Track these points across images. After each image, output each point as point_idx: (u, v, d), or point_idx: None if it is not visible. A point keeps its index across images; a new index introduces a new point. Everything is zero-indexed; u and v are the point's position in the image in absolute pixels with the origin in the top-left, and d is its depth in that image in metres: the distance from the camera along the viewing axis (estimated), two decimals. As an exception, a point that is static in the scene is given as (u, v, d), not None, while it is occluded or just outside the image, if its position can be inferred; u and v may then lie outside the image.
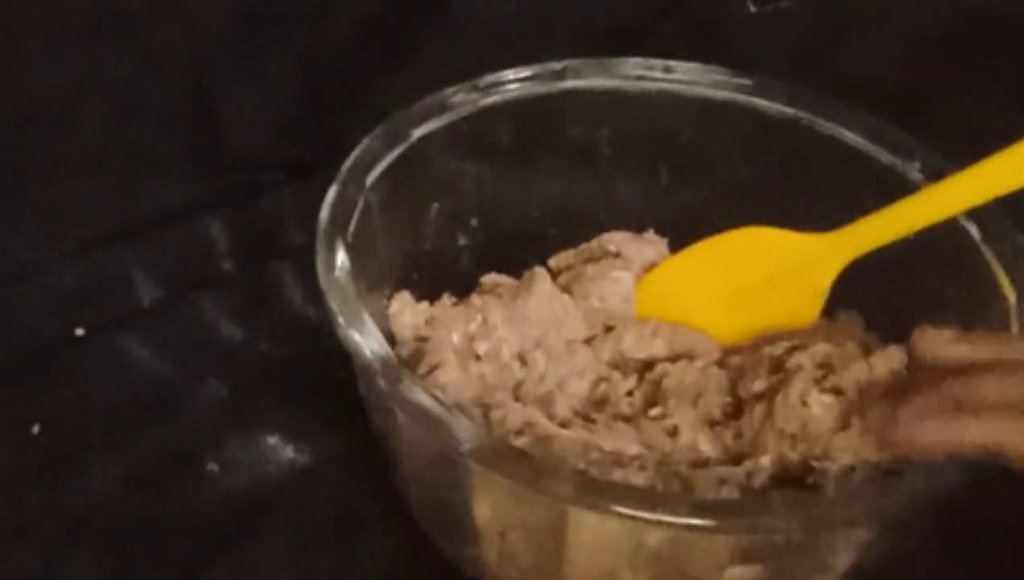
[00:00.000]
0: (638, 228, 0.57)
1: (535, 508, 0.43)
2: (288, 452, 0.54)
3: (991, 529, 0.49)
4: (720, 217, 0.53)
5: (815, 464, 0.48)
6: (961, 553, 0.49)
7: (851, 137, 0.52)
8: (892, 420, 0.40)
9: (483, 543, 0.46)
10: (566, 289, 0.55)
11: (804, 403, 0.47)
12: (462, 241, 0.57)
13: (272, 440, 0.54)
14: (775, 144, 0.54)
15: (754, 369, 0.51)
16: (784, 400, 0.48)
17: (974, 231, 0.49)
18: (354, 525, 0.52)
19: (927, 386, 0.40)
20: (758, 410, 0.49)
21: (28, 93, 0.64)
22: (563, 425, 0.49)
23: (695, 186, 0.56)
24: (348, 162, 0.49)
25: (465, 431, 0.40)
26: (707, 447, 0.48)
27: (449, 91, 0.53)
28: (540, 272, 0.55)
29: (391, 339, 0.51)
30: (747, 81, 0.54)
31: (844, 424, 0.48)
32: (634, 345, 0.52)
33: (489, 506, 0.45)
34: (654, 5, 0.65)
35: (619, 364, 0.52)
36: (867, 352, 0.50)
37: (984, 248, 0.49)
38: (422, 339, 0.52)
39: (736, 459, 0.48)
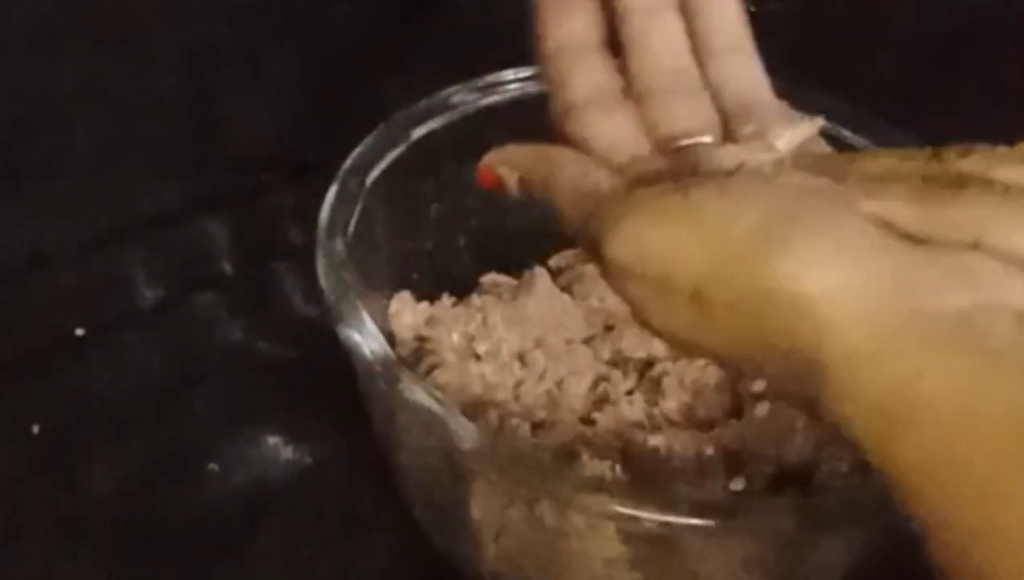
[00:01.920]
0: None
1: (534, 508, 0.43)
2: (288, 452, 0.54)
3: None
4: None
5: (818, 466, 0.48)
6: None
7: (851, 137, 0.52)
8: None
9: (482, 543, 0.46)
10: (566, 289, 0.55)
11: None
12: (462, 241, 0.57)
13: (272, 440, 0.54)
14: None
15: (754, 369, 0.51)
16: (789, 408, 0.48)
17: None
18: (354, 525, 0.52)
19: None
20: (758, 410, 0.49)
21: (28, 93, 0.64)
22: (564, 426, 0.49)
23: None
24: (348, 162, 0.49)
25: (465, 431, 0.40)
26: (707, 448, 0.48)
27: (449, 91, 0.53)
28: (540, 272, 0.55)
29: (391, 339, 0.51)
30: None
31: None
32: (634, 344, 0.52)
33: (488, 506, 0.45)
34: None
35: (619, 363, 0.52)
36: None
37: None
38: (422, 339, 0.52)
39: (735, 460, 0.48)
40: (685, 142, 0.36)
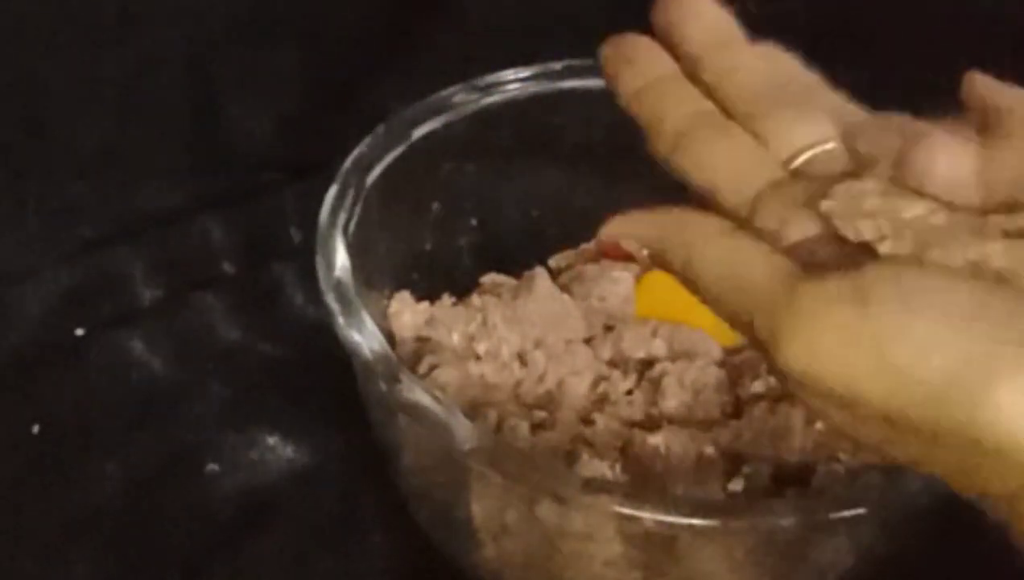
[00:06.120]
0: (638, 228, 0.57)
1: (534, 508, 0.43)
2: (288, 452, 0.54)
3: (991, 529, 0.49)
4: (720, 217, 0.53)
5: (818, 466, 0.48)
6: (961, 553, 0.49)
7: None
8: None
9: (482, 543, 0.46)
10: (566, 289, 0.55)
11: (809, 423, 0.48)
12: (462, 241, 0.57)
13: (272, 440, 0.54)
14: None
15: (754, 369, 0.51)
16: (788, 409, 0.48)
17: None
18: (354, 525, 0.52)
19: None
20: (758, 411, 0.49)
21: (28, 93, 0.64)
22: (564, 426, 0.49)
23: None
24: (348, 162, 0.49)
25: (465, 431, 0.40)
26: (707, 448, 0.48)
27: (449, 91, 0.53)
28: (540, 272, 0.55)
29: (391, 339, 0.51)
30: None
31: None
32: (634, 344, 0.52)
33: (488, 506, 0.45)
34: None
35: (619, 364, 0.52)
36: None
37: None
38: (422, 339, 0.52)
39: (735, 460, 0.48)
40: (807, 154, 0.33)
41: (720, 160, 0.33)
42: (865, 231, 0.29)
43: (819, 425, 0.48)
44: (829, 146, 0.33)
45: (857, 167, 0.32)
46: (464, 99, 0.53)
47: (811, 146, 0.33)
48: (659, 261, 0.33)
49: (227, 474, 0.53)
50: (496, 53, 0.55)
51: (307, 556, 0.51)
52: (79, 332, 0.58)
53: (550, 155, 0.56)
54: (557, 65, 0.54)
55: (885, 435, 0.27)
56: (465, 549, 0.47)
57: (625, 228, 0.34)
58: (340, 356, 0.44)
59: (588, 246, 0.57)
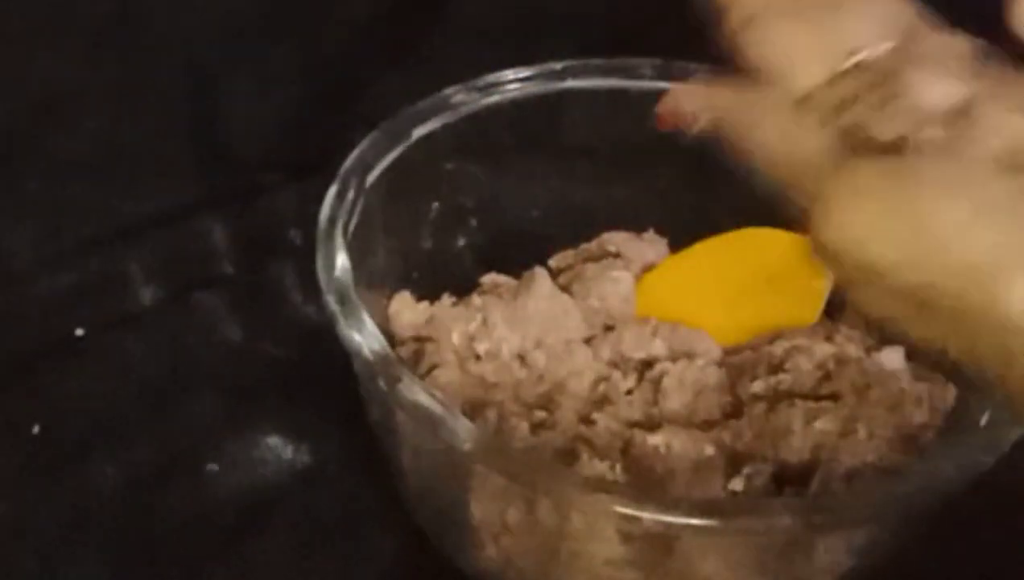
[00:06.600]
0: (638, 228, 0.57)
1: (534, 508, 0.43)
2: (288, 452, 0.54)
3: (991, 529, 0.49)
4: (720, 217, 0.53)
5: (818, 466, 0.48)
6: (961, 553, 0.49)
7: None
8: None
9: (482, 543, 0.46)
10: (566, 289, 0.55)
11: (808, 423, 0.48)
12: (462, 241, 0.57)
13: (272, 440, 0.54)
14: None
15: (754, 369, 0.51)
16: (787, 409, 0.48)
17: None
18: (354, 525, 0.52)
19: None
20: (757, 411, 0.49)
21: (28, 93, 0.64)
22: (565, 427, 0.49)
23: (695, 186, 0.56)
24: (348, 162, 0.49)
25: (465, 431, 0.40)
26: (707, 448, 0.48)
27: (449, 91, 0.53)
28: (540, 272, 0.55)
29: (391, 339, 0.51)
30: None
31: (847, 428, 0.48)
32: (634, 345, 0.52)
33: (488, 506, 0.45)
34: (654, 5, 0.65)
35: (619, 364, 0.52)
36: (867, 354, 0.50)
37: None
38: (422, 339, 0.52)
39: (735, 460, 0.48)
40: (859, 56, 0.34)
41: (783, 46, 0.34)
42: (890, 131, 0.31)
43: (818, 423, 0.48)
44: (881, 49, 0.34)
45: (901, 69, 0.33)
46: (464, 99, 0.53)
47: (863, 47, 0.34)
48: (718, 127, 0.34)
49: (227, 474, 0.53)
50: (496, 53, 0.55)
51: (307, 556, 0.51)
52: (79, 332, 0.58)
53: (550, 155, 0.56)
54: (557, 65, 0.54)
55: (908, 312, 0.28)
56: (465, 549, 0.47)
57: (687, 99, 0.36)
58: (340, 356, 0.44)
59: (588, 246, 0.57)
